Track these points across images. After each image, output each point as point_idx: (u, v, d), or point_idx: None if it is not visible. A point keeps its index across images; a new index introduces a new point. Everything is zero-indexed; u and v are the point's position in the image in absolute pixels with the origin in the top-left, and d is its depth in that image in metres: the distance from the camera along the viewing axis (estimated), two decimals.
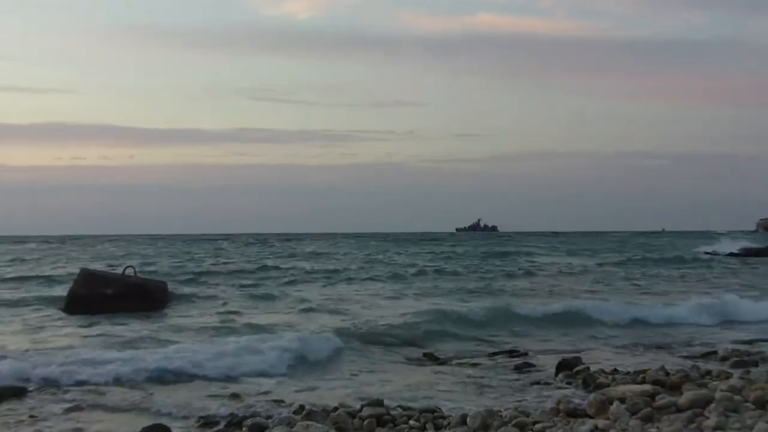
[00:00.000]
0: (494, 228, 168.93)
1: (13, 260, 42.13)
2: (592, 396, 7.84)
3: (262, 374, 10.70)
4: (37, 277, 29.21)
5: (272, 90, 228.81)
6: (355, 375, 11.01)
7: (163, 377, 10.33)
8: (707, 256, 46.95)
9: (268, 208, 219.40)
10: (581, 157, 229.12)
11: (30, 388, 9.57)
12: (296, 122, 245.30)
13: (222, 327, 15.40)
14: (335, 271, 33.78)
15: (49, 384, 9.75)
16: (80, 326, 15.47)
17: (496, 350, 13.10)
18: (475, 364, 11.76)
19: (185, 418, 8.28)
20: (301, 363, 11.41)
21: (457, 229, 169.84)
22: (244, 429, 7.51)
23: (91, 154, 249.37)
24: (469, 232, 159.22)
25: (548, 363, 11.37)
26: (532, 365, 11.43)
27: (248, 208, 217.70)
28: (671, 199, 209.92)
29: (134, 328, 14.89)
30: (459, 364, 11.81)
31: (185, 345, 12.19)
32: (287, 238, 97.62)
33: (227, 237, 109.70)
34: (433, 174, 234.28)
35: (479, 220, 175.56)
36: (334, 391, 9.69)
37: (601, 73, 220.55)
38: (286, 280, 28.99)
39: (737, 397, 7.29)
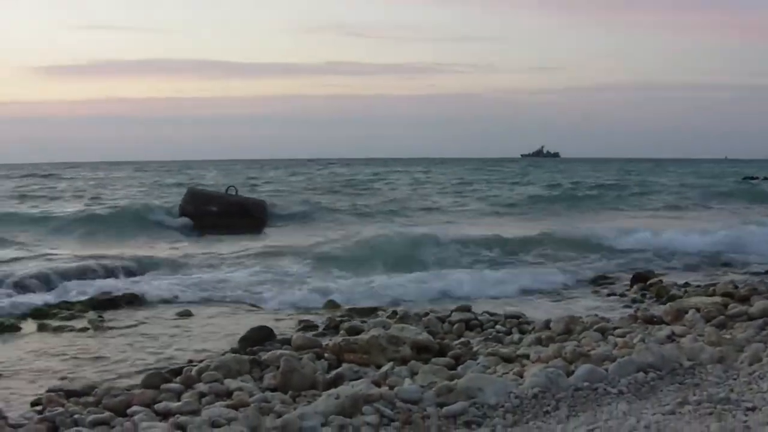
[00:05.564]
0: (556, 154, 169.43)
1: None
2: (668, 305, 8.29)
3: None
4: None
5: (362, 27, 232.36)
6: None
7: None
8: None
9: (355, 134, 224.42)
10: (644, 89, 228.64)
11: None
12: (384, 57, 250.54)
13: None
14: None
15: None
16: None
17: None
18: None
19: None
20: None
21: (521, 155, 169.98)
22: (341, 331, 7.88)
23: (189, 87, 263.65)
24: (534, 158, 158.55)
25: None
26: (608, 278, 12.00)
27: (336, 134, 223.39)
28: (732, 129, 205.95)
29: None
30: None
31: None
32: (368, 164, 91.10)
33: (320, 161, 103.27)
34: (504, 104, 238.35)
35: (542, 147, 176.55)
36: None
37: (669, 10, 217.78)
38: None
39: None
